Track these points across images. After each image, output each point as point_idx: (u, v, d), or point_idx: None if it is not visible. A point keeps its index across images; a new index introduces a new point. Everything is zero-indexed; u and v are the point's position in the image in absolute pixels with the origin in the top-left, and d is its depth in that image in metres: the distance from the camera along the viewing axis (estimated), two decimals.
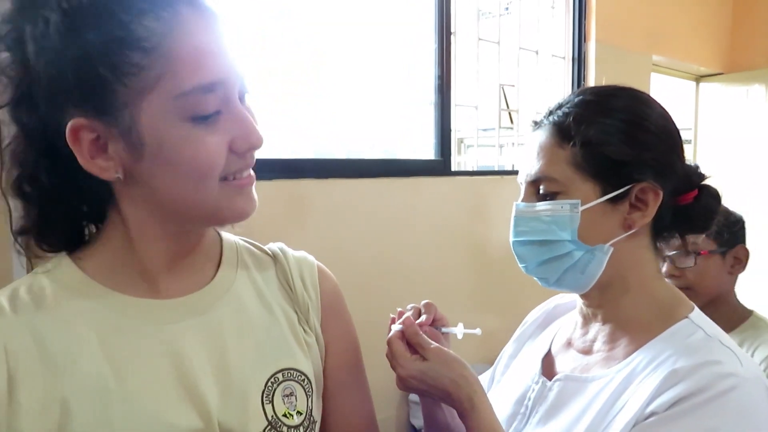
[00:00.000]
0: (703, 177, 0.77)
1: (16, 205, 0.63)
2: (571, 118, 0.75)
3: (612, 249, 0.73)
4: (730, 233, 1.36)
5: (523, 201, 0.79)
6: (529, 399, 0.80)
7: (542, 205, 0.75)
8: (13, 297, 0.60)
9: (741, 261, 1.38)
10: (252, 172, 0.63)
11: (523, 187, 0.79)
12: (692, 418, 0.63)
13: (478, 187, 2.25)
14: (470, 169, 2.58)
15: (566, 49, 2.63)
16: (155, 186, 0.58)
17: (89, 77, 0.53)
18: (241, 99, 0.61)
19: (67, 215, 0.64)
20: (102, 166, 0.57)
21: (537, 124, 0.80)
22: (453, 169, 2.21)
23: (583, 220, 0.73)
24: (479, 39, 2.30)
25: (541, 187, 0.76)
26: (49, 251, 0.66)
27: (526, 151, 0.80)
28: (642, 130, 0.73)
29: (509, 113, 2.50)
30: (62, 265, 0.64)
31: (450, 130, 2.14)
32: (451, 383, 0.73)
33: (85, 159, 0.57)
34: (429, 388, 0.74)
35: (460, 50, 2.21)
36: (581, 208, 0.73)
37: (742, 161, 3.35)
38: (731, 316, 1.36)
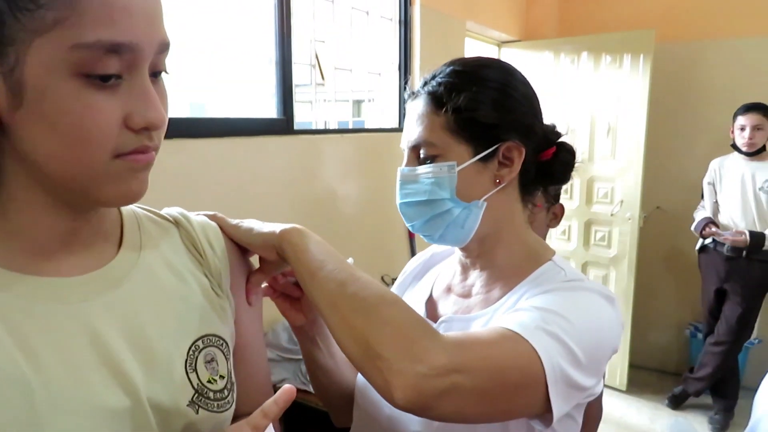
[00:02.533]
0: (559, 135, 0.89)
1: None
2: (443, 88, 0.82)
3: (486, 204, 0.83)
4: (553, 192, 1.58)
5: (406, 165, 0.86)
6: None
7: (423, 168, 0.83)
8: None
9: (557, 216, 1.62)
10: (151, 155, 0.57)
11: (405, 153, 0.86)
12: (547, 295, 0.76)
13: (319, 146, 2.29)
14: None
15: (394, 11, 2.74)
16: (33, 143, 0.53)
17: None
18: (155, 75, 0.57)
19: None
20: None
21: (414, 94, 0.87)
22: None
23: (459, 180, 0.81)
24: None
25: (422, 151, 0.83)
26: None
27: (406, 120, 0.87)
28: (508, 97, 0.82)
29: (320, 70, 2.54)
30: None
31: (292, 88, 2.12)
32: None
33: None
34: None
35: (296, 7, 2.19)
36: (457, 169, 0.81)
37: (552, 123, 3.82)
38: None
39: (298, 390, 1.94)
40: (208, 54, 1.95)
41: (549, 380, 0.67)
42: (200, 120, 1.88)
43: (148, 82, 0.54)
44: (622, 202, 3.55)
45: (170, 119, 1.97)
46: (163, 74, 0.59)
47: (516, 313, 0.74)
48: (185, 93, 1.96)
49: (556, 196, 1.61)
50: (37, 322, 0.56)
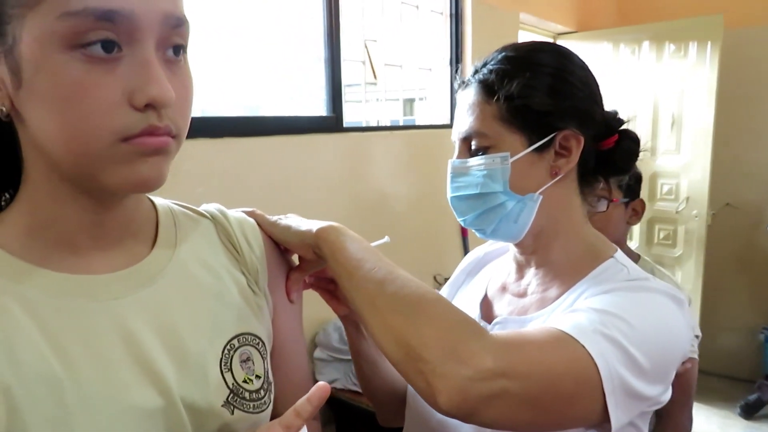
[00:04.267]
0: (621, 122, 0.83)
1: None
2: (494, 75, 0.78)
3: (541, 197, 0.78)
4: (633, 186, 1.51)
5: (457, 158, 0.82)
6: None
7: (475, 160, 0.79)
8: None
9: (638, 212, 1.54)
10: (164, 139, 0.52)
11: (456, 145, 0.82)
12: (607, 296, 0.70)
13: (369, 144, 2.26)
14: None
15: (444, 5, 2.68)
16: (37, 125, 0.50)
17: None
18: (175, 52, 0.52)
19: None
20: None
21: (464, 84, 0.83)
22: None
23: (513, 171, 0.77)
24: None
25: (473, 142, 0.79)
26: None
27: (457, 110, 0.83)
28: (563, 82, 0.77)
29: (372, 68, 2.51)
30: None
31: (341, 86, 2.11)
32: None
33: None
34: None
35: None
36: (510, 160, 0.76)
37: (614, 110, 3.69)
38: None
39: (349, 391, 1.93)
40: (259, 54, 1.95)
41: (606, 388, 0.61)
42: (250, 119, 1.90)
43: (150, 56, 0.50)
44: (687, 198, 3.37)
45: (220, 119, 1.98)
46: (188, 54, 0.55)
47: (572, 314, 0.68)
48: (240, 95, 1.97)
49: (636, 191, 1.52)
50: (68, 319, 0.54)
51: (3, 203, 0.60)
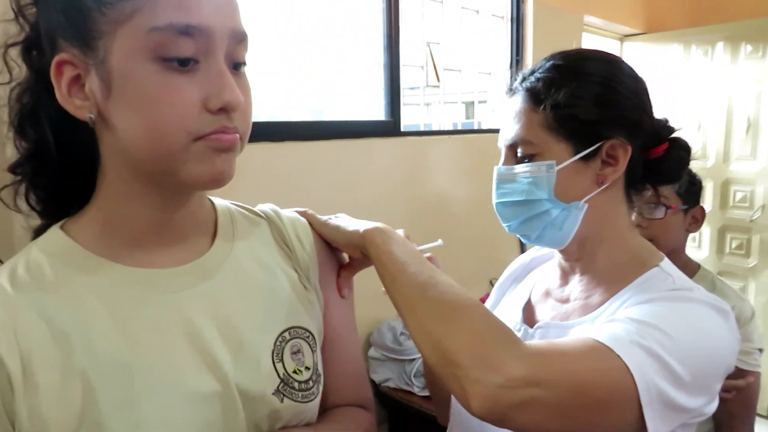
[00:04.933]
0: (672, 130, 0.82)
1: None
2: (541, 84, 0.78)
3: (587, 205, 0.78)
4: (693, 193, 1.46)
5: (503, 164, 0.83)
6: None
7: (520, 167, 0.80)
8: (12, 277, 0.59)
9: (698, 220, 1.49)
10: (235, 137, 0.58)
11: (502, 151, 0.84)
12: (646, 306, 0.70)
13: (427, 147, 2.29)
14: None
15: (505, 8, 2.67)
16: (122, 129, 0.56)
17: (76, 5, 0.54)
18: (235, 67, 0.59)
19: (61, 165, 0.63)
20: (77, 105, 0.57)
21: (512, 91, 0.84)
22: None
23: (558, 179, 0.77)
24: None
25: (519, 150, 0.80)
26: (36, 206, 0.66)
27: (503, 117, 0.84)
28: (612, 91, 0.77)
29: (436, 72, 2.52)
30: (53, 236, 0.63)
31: (399, 90, 2.15)
32: None
33: (62, 95, 0.57)
34: None
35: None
36: (556, 168, 0.77)
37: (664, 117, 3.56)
38: (684, 269, 1.48)
39: (402, 390, 1.96)
40: (323, 60, 2.02)
41: (643, 399, 0.61)
42: (310, 123, 1.96)
43: (223, 66, 0.56)
44: (763, 206, 3.19)
45: (282, 123, 2.05)
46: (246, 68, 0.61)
47: (610, 323, 0.68)
48: (306, 99, 2.04)
49: (696, 198, 1.48)
50: (136, 309, 0.60)
51: (76, 207, 0.67)
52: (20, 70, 0.63)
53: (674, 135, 0.82)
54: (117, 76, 0.54)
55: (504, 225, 0.85)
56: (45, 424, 0.54)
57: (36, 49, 0.60)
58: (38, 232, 0.67)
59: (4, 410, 0.54)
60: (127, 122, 0.56)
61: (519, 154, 0.80)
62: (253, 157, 1.69)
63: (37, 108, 0.61)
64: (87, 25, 0.54)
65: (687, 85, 3.40)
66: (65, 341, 0.57)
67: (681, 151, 0.81)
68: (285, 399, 0.65)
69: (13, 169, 0.65)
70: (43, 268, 0.60)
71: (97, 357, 0.57)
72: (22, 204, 0.66)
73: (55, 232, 0.63)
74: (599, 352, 0.63)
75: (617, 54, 3.81)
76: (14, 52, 0.62)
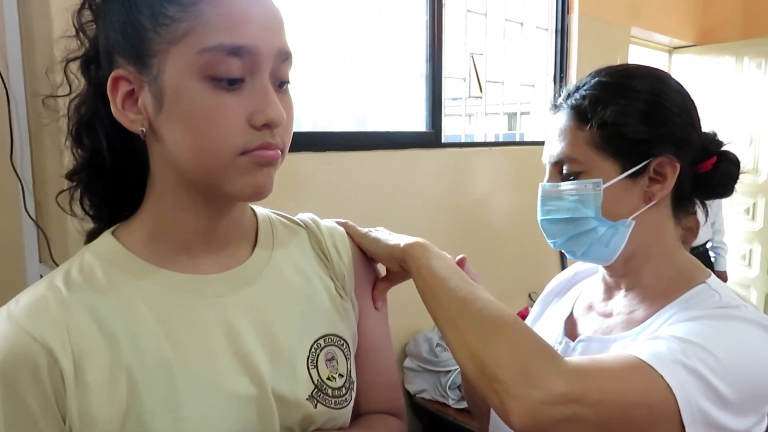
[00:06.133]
0: (720, 144, 0.80)
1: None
2: (587, 101, 0.77)
3: (634, 223, 0.77)
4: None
5: (548, 181, 0.82)
6: None
7: (566, 185, 0.79)
8: (67, 278, 0.62)
9: (693, 231, 1.45)
10: (276, 153, 0.60)
11: (547, 168, 0.83)
12: (691, 323, 0.68)
13: (468, 159, 2.29)
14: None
15: (550, 21, 2.66)
16: (172, 142, 0.59)
17: (133, 25, 0.57)
18: (280, 84, 0.61)
19: (114, 173, 0.66)
20: (131, 118, 0.59)
21: (556, 107, 0.83)
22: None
23: (605, 197, 0.76)
24: (467, 11, 2.31)
25: (564, 167, 0.79)
26: (90, 211, 0.69)
27: (548, 134, 0.84)
28: (659, 108, 0.76)
29: (479, 83, 2.52)
30: (105, 242, 0.66)
31: (441, 102, 2.16)
32: None
33: (117, 108, 0.59)
34: None
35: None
36: (603, 186, 0.76)
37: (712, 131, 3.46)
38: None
39: (437, 402, 1.95)
40: (368, 71, 2.05)
41: (685, 420, 0.60)
42: (352, 134, 1.99)
43: (268, 84, 0.58)
44: None
45: (325, 134, 2.08)
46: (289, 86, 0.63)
47: (653, 341, 0.67)
48: (350, 107, 2.08)
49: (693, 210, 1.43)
50: (180, 312, 0.63)
51: (126, 212, 0.70)
52: (79, 83, 0.67)
53: (723, 148, 0.80)
54: (169, 93, 0.57)
55: (549, 241, 0.84)
56: (93, 421, 0.56)
57: (94, 64, 0.64)
58: (91, 236, 0.70)
59: (57, 407, 0.57)
60: (177, 136, 0.58)
61: (564, 172, 0.79)
62: (296, 166, 1.72)
63: (93, 119, 0.65)
64: (143, 44, 0.57)
65: (739, 99, 3.30)
66: (113, 341, 0.59)
67: (730, 164, 0.79)
68: (318, 405, 0.66)
69: (69, 175, 0.68)
70: (95, 272, 0.63)
71: (142, 356, 0.59)
72: (77, 208, 0.70)
73: (106, 237, 0.66)
74: (641, 370, 0.62)
75: (665, 66, 3.73)
76: (74, 66, 0.66)
